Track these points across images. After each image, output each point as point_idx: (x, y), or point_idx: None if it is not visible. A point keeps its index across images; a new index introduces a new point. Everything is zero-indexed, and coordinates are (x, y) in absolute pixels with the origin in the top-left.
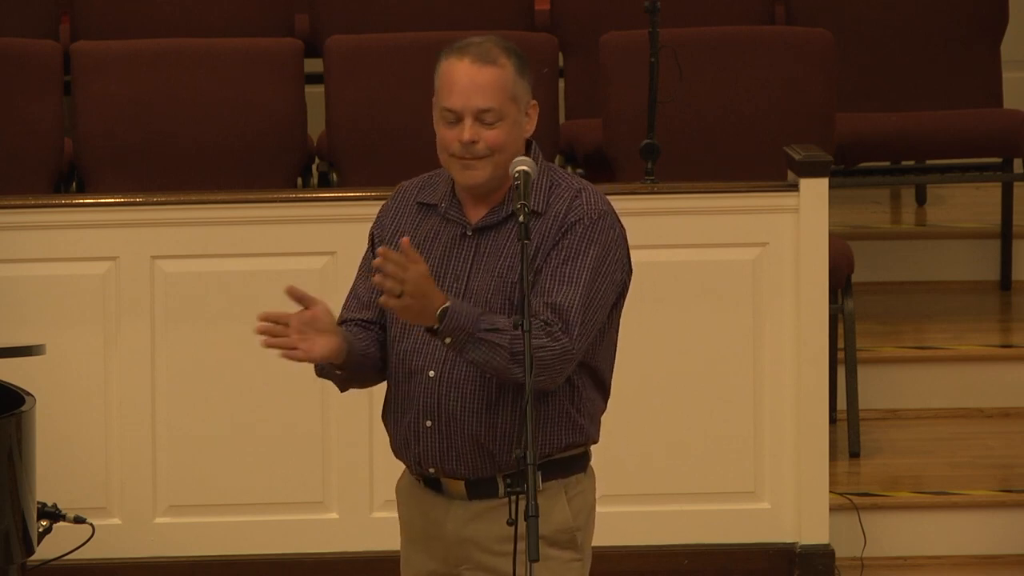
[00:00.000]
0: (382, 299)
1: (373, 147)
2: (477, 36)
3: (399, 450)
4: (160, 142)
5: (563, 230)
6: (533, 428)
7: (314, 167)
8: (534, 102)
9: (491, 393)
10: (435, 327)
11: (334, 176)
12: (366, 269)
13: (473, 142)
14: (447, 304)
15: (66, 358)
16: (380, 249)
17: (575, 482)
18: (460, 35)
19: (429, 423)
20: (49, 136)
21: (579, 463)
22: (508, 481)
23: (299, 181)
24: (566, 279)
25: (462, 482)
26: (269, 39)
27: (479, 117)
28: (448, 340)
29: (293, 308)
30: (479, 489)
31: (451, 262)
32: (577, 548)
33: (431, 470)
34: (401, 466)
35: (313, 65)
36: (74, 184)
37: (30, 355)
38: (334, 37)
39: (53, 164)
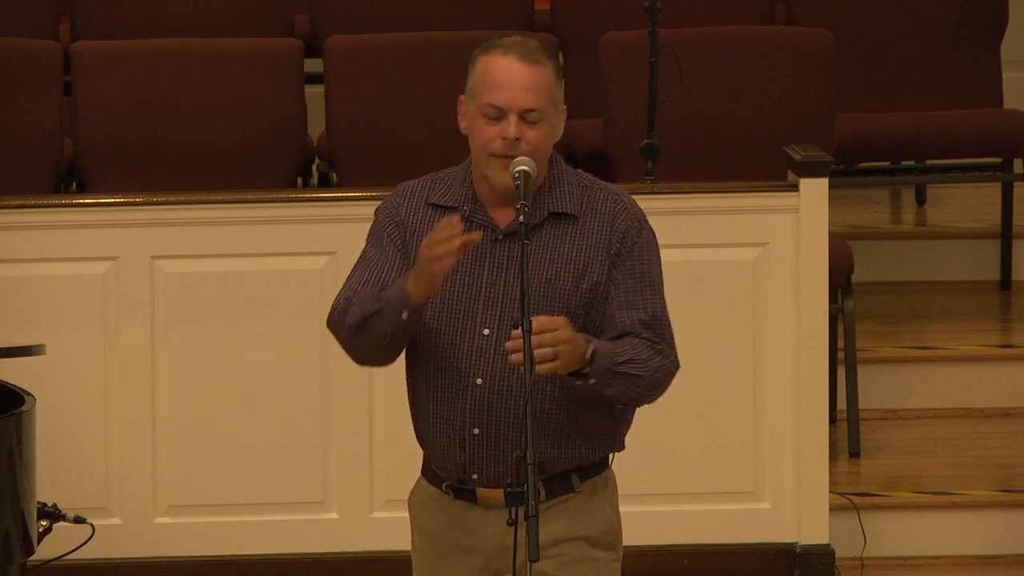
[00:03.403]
0: (540, 368)
1: (373, 147)
2: (511, 36)
3: (437, 457)
4: (160, 142)
5: (624, 237)
6: (573, 440)
7: (314, 167)
8: (564, 107)
9: (543, 402)
10: (584, 370)
11: (334, 176)
12: (382, 257)
13: (517, 139)
14: (593, 346)
15: (66, 358)
16: (517, 332)
17: (604, 480)
18: (459, 35)
19: (476, 431)
20: (49, 136)
21: (605, 460)
22: (508, 483)
23: (299, 181)
24: (648, 290)
25: (500, 491)
26: (269, 39)
27: (523, 116)
28: (593, 381)
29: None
30: (519, 497)
31: (484, 268)
32: (617, 548)
33: (474, 476)
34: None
35: (313, 65)
36: (74, 184)
37: (30, 355)
38: (334, 37)
39: (53, 164)
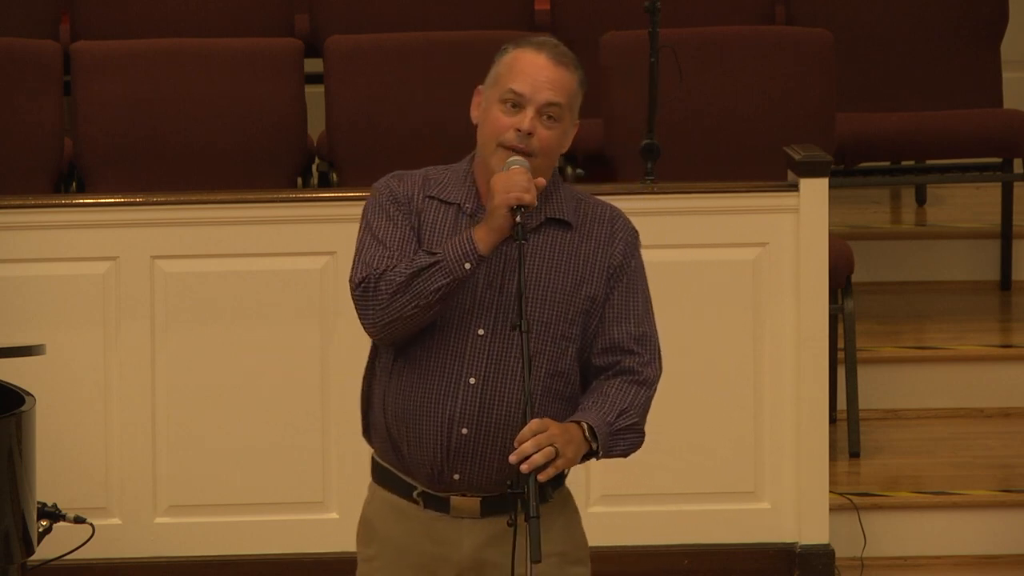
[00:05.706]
0: (543, 476)
1: (373, 147)
2: (545, 36)
3: (408, 460)
4: (160, 142)
5: (624, 252)
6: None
7: (314, 167)
8: (578, 121)
9: (535, 406)
10: (593, 449)
11: (334, 176)
12: (397, 226)
13: (530, 134)
14: (585, 425)
15: (66, 358)
16: (525, 445)
17: (568, 491)
18: (459, 35)
19: (465, 431)
20: (49, 136)
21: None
22: (509, 483)
23: (299, 181)
24: (641, 305)
25: (476, 500)
26: (269, 39)
27: (542, 111)
28: (601, 453)
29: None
30: (495, 506)
31: (482, 268)
32: (587, 563)
33: (455, 476)
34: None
35: (313, 65)
36: (74, 184)
37: (30, 355)
38: (334, 37)
39: (53, 164)
